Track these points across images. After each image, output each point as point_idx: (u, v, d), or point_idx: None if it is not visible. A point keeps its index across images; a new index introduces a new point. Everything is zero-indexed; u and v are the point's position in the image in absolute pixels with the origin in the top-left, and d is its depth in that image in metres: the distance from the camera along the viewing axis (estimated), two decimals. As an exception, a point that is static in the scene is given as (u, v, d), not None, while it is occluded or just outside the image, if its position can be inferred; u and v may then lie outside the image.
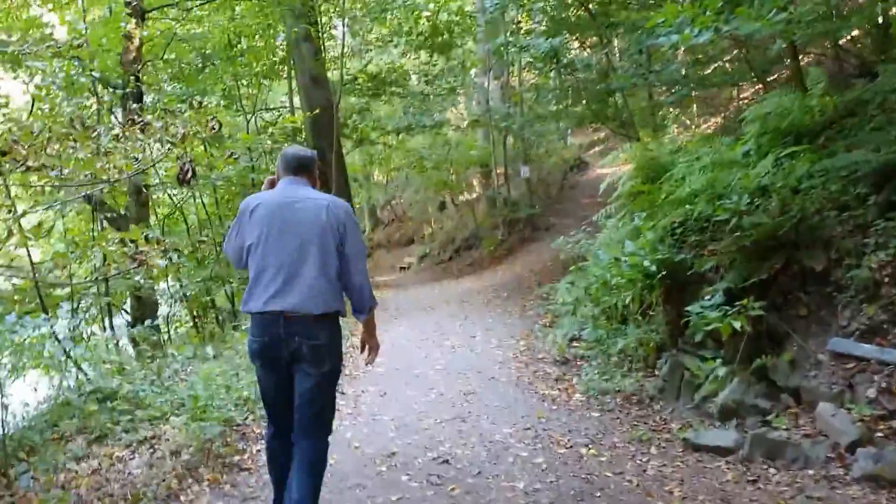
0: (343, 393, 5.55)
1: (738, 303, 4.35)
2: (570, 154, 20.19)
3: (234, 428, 4.62)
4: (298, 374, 2.85)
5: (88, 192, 9.67)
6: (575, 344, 6.82)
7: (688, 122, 13.34)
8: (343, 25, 13.99)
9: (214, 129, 4.43)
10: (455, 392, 5.58)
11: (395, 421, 4.85)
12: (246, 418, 4.80)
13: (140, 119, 4.08)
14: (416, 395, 5.56)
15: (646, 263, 5.03)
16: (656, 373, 5.48)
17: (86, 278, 4.52)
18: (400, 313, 9.82)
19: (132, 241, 4.60)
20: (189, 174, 4.65)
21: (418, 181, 21.16)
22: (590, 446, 4.27)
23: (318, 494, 2.88)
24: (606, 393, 5.33)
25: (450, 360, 6.76)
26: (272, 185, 3.11)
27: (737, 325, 4.15)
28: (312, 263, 2.80)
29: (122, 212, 11.49)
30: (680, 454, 4.10)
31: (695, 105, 13.73)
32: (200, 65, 12.52)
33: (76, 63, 10.19)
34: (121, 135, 4.10)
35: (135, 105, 11.02)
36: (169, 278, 15.92)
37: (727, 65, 9.46)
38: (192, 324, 16.38)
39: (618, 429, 4.61)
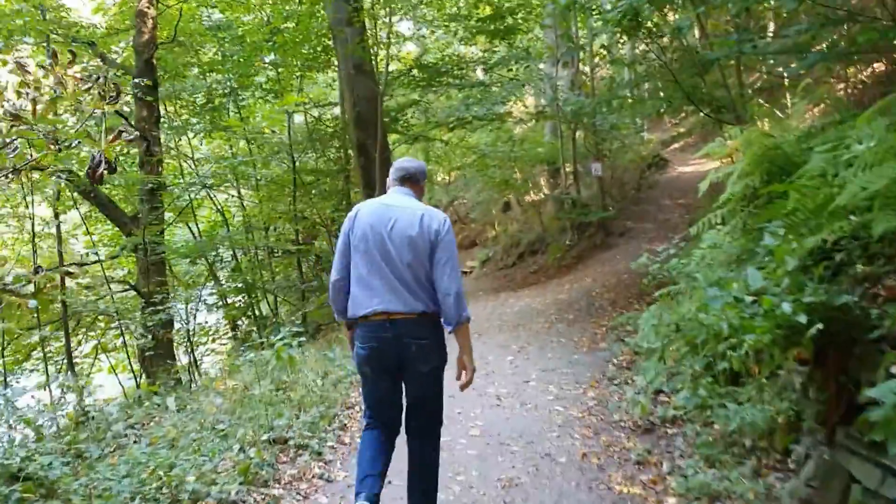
0: (330, 481, 3.95)
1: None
2: (647, 150, 18.12)
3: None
4: (408, 374, 3.00)
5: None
6: (663, 399, 5.04)
7: (779, 113, 11.03)
8: (389, 10, 12.43)
9: (113, 98, 3.06)
10: (491, 483, 3.89)
11: (392, 545, 3.21)
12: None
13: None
14: (434, 485, 3.90)
15: (785, 307, 3.19)
16: (790, 466, 3.65)
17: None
18: (443, 340, 8.16)
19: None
20: (100, 170, 3.20)
21: (481, 181, 19.59)
22: None
23: (437, 490, 3.10)
24: (717, 499, 3.54)
25: (491, 419, 5.07)
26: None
27: (979, 437, 2.30)
28: (409, 269, 2.92)
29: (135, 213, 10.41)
30: None
31: (787, 94, 11.47)
32: (229, 51, 11.22)
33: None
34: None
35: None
36: (208, 285, 15.00)
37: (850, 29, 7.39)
38: (230, 333, 15.34)
39: (744, 584, 2.83)
